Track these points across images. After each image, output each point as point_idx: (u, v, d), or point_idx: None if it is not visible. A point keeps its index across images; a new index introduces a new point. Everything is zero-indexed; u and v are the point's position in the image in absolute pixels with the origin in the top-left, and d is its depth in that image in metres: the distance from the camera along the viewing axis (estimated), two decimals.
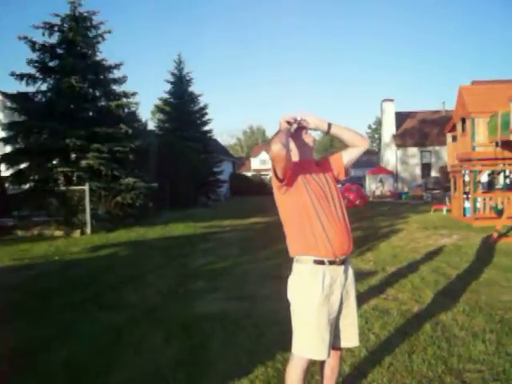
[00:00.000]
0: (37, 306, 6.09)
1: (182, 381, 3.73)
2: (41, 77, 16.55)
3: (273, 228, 14.81)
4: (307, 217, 2.64)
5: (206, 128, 34.04)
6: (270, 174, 2.69)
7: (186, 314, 5.51)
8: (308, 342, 2.66)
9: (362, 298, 5.23)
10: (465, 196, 16.78)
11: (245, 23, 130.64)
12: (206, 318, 5.27)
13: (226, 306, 5.84)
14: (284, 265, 8.47)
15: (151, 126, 29.24)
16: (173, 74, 32.55)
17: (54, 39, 16.73)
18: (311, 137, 2.91)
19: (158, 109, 33.68)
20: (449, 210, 18.59)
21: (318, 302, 2.63)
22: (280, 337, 4.10)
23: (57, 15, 16.54)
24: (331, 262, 2.66)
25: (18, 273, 8.42)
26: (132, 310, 5.82)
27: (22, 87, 19.33)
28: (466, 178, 17.29)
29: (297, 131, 2.81)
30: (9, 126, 16.09)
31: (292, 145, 2.80)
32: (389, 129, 38.42)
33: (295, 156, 2.82)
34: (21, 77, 16.12)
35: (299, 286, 2.71)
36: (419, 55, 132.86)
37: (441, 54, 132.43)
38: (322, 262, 2.64)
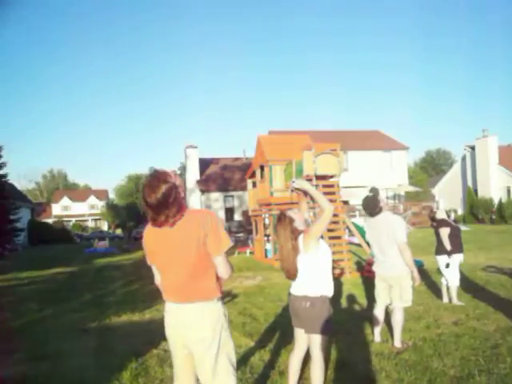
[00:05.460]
0: None
1: None
2: None
3: (77, 278, 14.08)
4: None
5: (1, 172, 31.39)
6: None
7: None
8: None
9: None
10: (265, 238, 17.74)
11: None
12: None
13: (25, 368, 5.31)
14: (91, 317, 8.09)
15: None
16: None
17: None
18: None
19: None
20: (252, 252, 19.36)
21: None
22: None
23: None
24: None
25: None
26: None
27: None
28: (267, 221, 18.30)
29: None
30: None
31: None
32: (193, 174, 39.29)
33: None
34: None
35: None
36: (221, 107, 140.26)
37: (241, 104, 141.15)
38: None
